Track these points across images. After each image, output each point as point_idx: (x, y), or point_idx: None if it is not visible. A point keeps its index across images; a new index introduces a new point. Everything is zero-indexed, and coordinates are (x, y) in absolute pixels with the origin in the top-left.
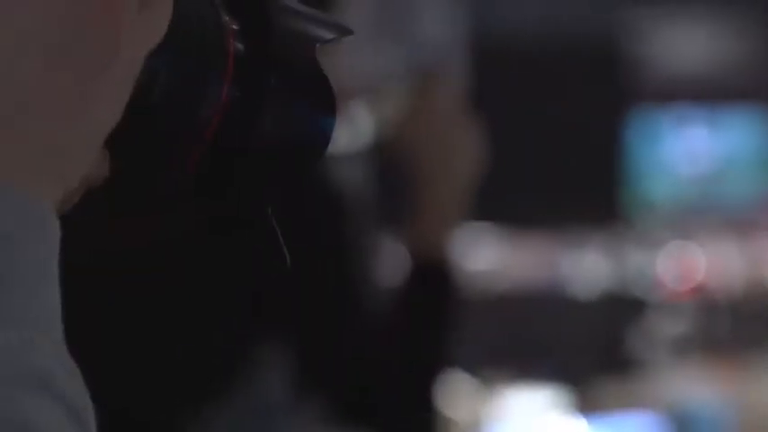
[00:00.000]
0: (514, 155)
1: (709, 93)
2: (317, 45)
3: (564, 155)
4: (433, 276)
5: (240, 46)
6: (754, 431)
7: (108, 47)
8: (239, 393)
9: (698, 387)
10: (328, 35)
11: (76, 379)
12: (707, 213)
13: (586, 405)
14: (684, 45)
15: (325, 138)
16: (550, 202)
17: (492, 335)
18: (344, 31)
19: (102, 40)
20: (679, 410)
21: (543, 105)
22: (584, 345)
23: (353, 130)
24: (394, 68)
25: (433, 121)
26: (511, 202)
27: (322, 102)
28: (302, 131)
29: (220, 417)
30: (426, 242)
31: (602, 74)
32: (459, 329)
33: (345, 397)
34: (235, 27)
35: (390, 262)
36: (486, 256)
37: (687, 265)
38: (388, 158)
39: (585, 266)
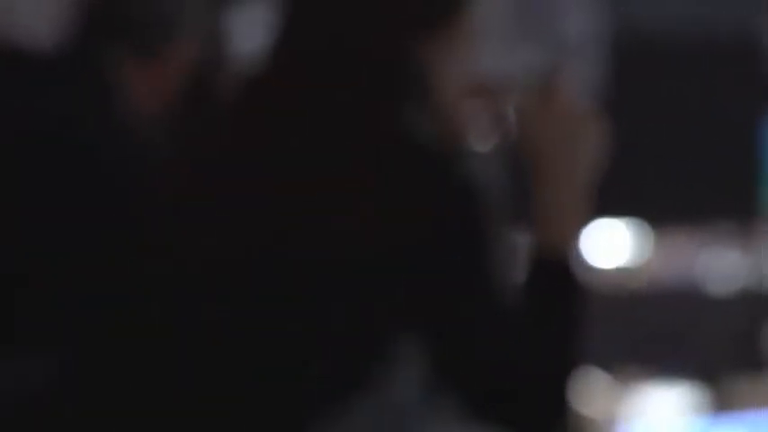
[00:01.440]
0: (654, 152)
1: None
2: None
3: (702, 151)
4: (557, 274)
5: None
6: None
7: None
8: (374, 391)
9: None
10: None
11: None
12: None
13: (722, 403)
14: None
15: None
16: (688, 198)
17: (628, 332)
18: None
19: None
20: None
21: (682, 102)
22: (721, 342)
23: (492, 129)
24: (535, 68)
25: (555, 120)
26: (649, 198)
27: None
28: None
29: (355, 415)
30: (550, 240)
31: (741, 70)
32: (589, 326)
33: (480, 395)
34: None
35: (522, 259)
36: (624, 253)
37: None
38: (515, 156)
39: (723, 263)
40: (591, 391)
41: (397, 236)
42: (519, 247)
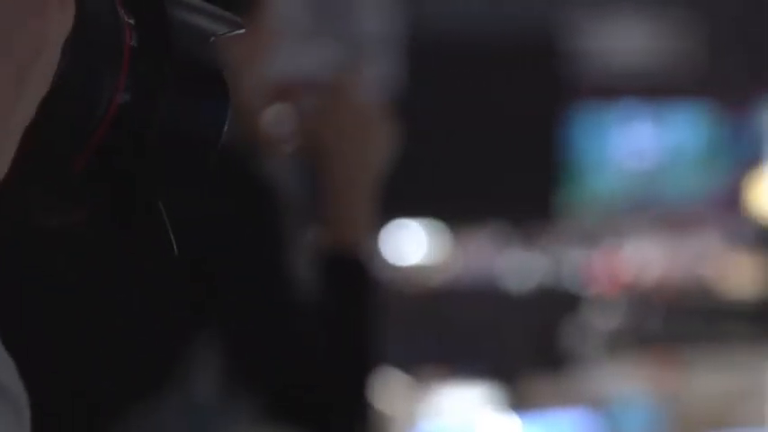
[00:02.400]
0: (453, 151)
1: (652, 89)
2: (212, 38)
3: (502, 151)
4: (351, 272)
5: (135, 40)
6: (686, 426)
7: (39, 35)
8: (170, 392)
9: (630, 383)
10: (222, 29)
11: (10, 368)
12: (648, 209)
13: (519, 401)
14: (627, 41)
15: (218, 130)
16: (487, 198)
17: (426, 331)
18: (237, 26)
19: (36, 29)
20: (611, 406)
21: (482, 103)
22: (518, 341)
23: (291, 129)
24: (329, 66)
25: (345, 118)
26: (447, 197)
27: (216, 94)
28: (196, 124)
29: (150, 416)
30: (342, 239)
31: (540, 71)
32: (385, 324)
33: (279, 396)
34: (131, 21)
35: (319, 259)
36: (423, 253)
37: (622, 261)
38: (307, 155)
39: (520, 262)
40: (389, 390)
41: (193, 235)
42: (318, 246)
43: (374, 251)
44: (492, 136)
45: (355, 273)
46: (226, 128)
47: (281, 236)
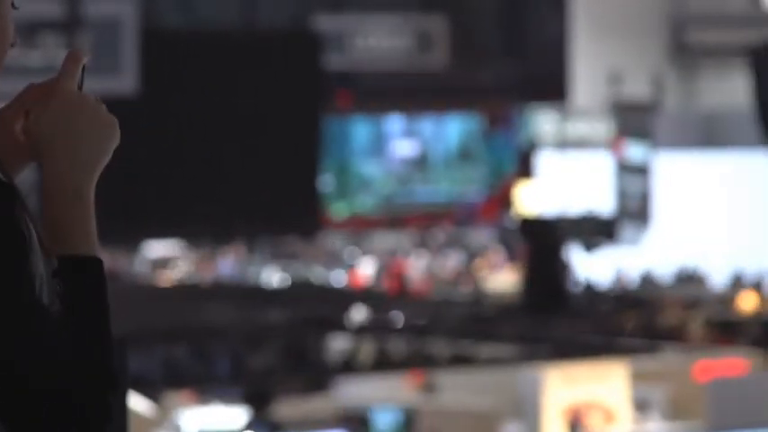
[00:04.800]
0: (200, 164)
1: (405, 100)
2: None
3: (255, 162)
4: (78, 283)
5: None
6: None
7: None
8: None
9: (383, 399)
10: None
11: None
12: (399, 218)
13: (272, 421)
14: (378, 53)
15: None
16: (237, 214)
17: (174, 351)
18: None
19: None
20: (363, 421)
21: (230, 99)
22: (273, 361)
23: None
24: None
25: (55, 110)
26: (197, 213)
27: None
28: None
29: None
30: (65, 245)
31: (294, 81)
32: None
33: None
34: None
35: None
36: (174, 270)
37: (367, 276)
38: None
39: (277, 280)
40: (134, 414)
41: None
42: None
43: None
44: (244, 152)
45: (83, 283)
46: None
47: (13, 254)
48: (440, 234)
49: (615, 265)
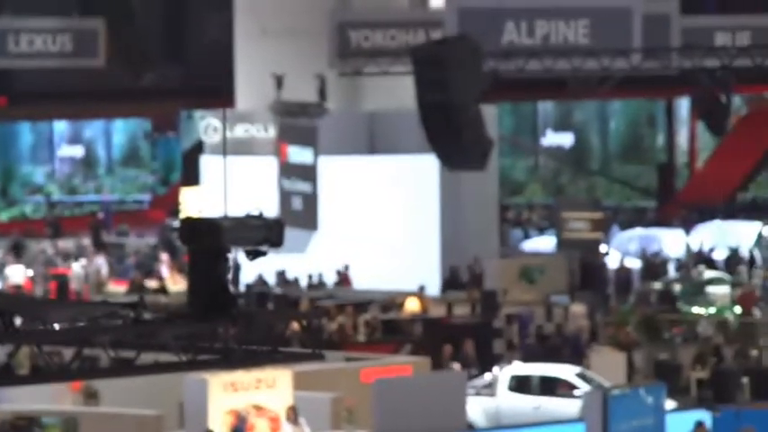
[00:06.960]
0: None
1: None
2: None
3: None
4: None
5: None
6: None
7: None
8: None
9: (42, 406)
10: None
11: None
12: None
13: None
14: (38, 56)
15: None
16: None
17: None
18: None
19: None
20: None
21: None
22: None
23: None
24: None
25: None
26: None
27: None
28: None
29: None
30: None
31: None
32: None
33: None
34: None
35: None
36: None
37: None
38: None
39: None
40: None
41: None
42: None
43: None
44: None
45: None
46: None
47: None
48: (108, 238)
49: (280, 270)
